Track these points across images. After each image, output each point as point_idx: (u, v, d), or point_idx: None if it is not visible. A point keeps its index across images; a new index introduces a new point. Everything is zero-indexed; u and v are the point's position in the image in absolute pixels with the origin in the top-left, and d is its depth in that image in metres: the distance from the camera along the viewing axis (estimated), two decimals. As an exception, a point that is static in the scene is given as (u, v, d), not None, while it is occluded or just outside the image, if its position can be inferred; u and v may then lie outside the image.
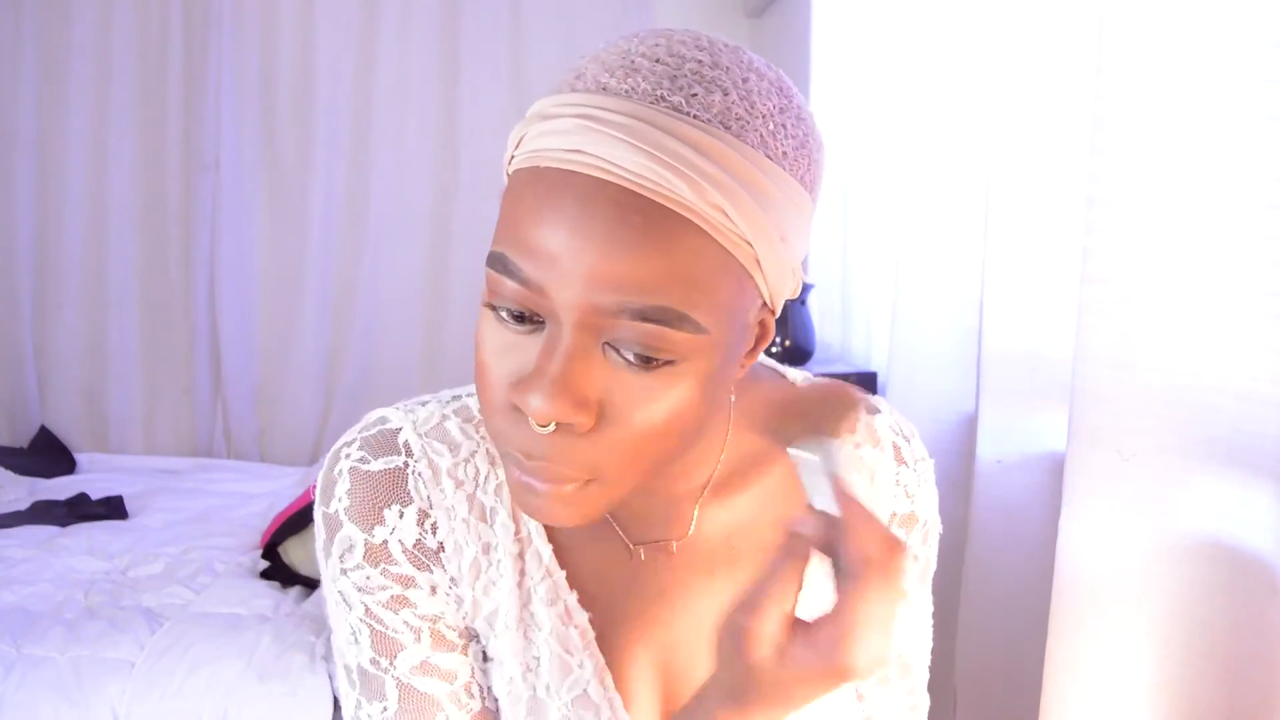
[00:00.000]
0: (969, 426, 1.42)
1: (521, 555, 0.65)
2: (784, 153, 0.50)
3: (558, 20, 3.16)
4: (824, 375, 0.82)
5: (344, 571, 0.63)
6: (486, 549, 0.64)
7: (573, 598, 0.65)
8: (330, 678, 1.68)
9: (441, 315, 3.27)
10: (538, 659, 0.65)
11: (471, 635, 0.66)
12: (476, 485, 0.64)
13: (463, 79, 3.20)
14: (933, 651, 0.77)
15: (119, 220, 3.23)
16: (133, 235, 3.25)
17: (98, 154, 3.21)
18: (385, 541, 0.62)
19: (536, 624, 0.65)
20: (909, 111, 1.55)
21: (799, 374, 0.74)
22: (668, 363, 0.49)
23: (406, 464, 0.63)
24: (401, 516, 0.62)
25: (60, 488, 2.75)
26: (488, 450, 0.64)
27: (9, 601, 1.93)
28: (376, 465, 0.63)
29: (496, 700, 0.67)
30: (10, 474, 2.89)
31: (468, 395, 0.67)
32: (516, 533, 0.64)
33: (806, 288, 2.01)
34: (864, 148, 1.98)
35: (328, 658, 1.71)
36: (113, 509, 2.54)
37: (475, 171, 3.20)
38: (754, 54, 0.53)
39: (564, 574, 0.65)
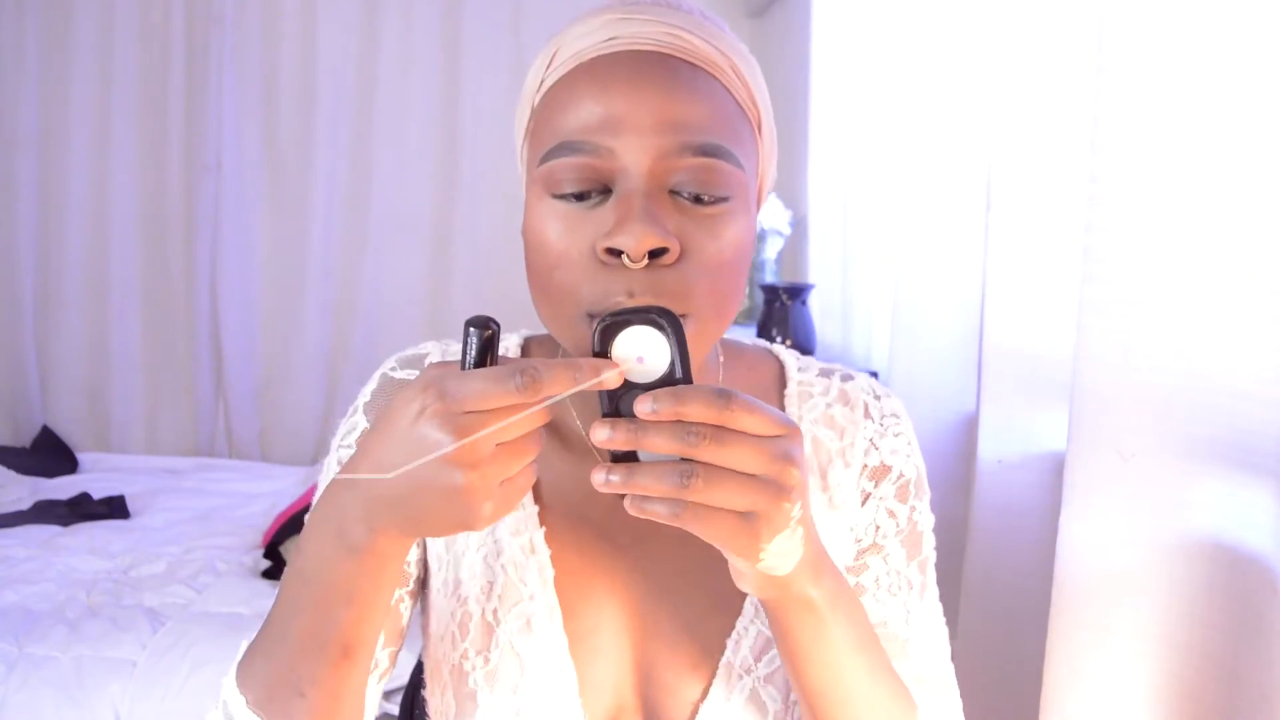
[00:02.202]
0: (969, 426, 1.42)
1: None
2: (748, 64, 0.64)
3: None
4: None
5: (340, 446, 0.74)
6: None
7: (540, 534, 0.69)
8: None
9: (443, 315, 3.27)
10: (491, 584, 0.69)
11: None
12: None
13: (464, 80, 3.20)
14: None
15: (121, 220, 3.24)
16: (135, 235, 3.25)
17: (100, 154, 3.21)
18: None
19: (498, 549, 0.69)
20: (909, 112, 1.55)
21: (792, 356, 0.77)
22: (722, 199, 0.58)
23: None
24: None
25: (62, 487, 2.76)
26: None
27: (11, 601, 1.93)
28: (400, 374, 0.74)
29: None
30: (12, 473, 2.90)
31: None
32: None
33: (807, 288, 2.01)
34: (864, 148, 1.98)
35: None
36: (114, 508, 2.55)
37: (477, 172, 3.20)
38: None
39: (537, 509, 0.69)
